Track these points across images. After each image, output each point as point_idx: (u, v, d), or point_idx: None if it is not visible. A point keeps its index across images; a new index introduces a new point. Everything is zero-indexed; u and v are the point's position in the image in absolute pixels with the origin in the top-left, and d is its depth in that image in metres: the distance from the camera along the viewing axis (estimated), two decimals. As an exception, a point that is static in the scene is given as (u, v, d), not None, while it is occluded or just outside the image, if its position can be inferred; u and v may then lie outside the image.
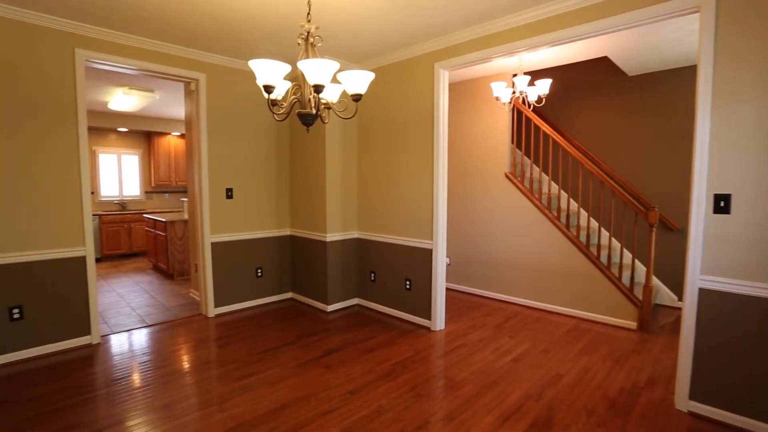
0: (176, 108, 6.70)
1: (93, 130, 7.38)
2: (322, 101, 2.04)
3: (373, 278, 4.26)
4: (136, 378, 2.79)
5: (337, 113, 2.15)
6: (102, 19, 3.05)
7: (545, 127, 4.27)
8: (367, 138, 4.22)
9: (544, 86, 3.66)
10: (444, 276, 3.72)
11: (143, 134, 8.00)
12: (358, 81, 1.95)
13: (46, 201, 3.12)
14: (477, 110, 4.75)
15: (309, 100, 1.97)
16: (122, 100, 5.52)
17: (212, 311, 4.05)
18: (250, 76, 4.20)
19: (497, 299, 4.64)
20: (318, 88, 1.77)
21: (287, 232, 4.61)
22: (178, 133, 7.99)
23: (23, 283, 3.05)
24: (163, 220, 5.66)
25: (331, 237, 4.14)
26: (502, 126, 4.55)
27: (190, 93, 4.05)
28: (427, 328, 3.74)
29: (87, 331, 3.34)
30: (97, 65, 3.38)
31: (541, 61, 4.09)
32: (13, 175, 2.98)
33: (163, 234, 5.72)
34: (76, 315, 3.29)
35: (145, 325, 3.81)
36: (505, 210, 4.54)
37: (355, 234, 4.38)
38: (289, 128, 4.55)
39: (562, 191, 4.55)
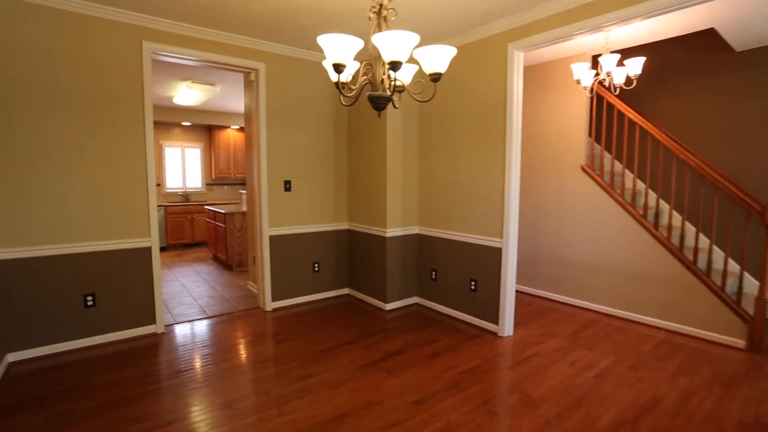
0: (235, 101, 6.80)
1: (159, 125, 7.70)
2: (397, 82, 1.82)
3: (434, 277, 4.02)
4: (198, 372, 2.76)
5: (413, 96, 1.92)
6: (166, 9, 3.02)
7: (631, 113, 3.79)
8: (431, 127, 3.96)
9: (635, 66, 3.20)
10: (514, 278, 3.40)
11: (205, 128, 8.25)
12: (438, 58, 1.71)
13: (115, 193, 3.17)
14: (549, 96, 4.33)
15: (382, 80, 1.75)
16: (186, 94, 5.65)
17: (269, 305, 4.00)
18: (309, 64, 4.07)
19: (569, 304, 4.23)
20: (395, 66, 1.55)
21: (345, 226, 4.48)
22: (237, 127, 8.16)
23: (95, 271, 3.13)
24: (223, 212, 5.76)
25: (391, 232, 3.94)
26: (578, 113, 4.11)
27: (250, 84, 3.99)
28: (494, 333, 3.45)
29: (152, 320, 3.39)
30: (163, 57, 3.38)
31: (631, 38, 3.61)
32: (85, 167, 3.04)
33: (223, 225, 5.82)
34: (142, 304, 3.35)
35: (206, 316, 3.83)
36: (580, 206, 4.10)
37: (415, 229, 4.15)
38: (347, 118, 4.39)
39: (649, 187, 4.02)
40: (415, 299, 4.25)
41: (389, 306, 4.03)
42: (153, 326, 3.40)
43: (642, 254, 3.67)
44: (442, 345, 3.22)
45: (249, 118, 4.18)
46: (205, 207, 6.79)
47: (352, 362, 2.91)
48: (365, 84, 1.77)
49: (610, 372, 2.79)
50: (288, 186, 4.03)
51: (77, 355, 3.00)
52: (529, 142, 4.54)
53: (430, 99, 2.09)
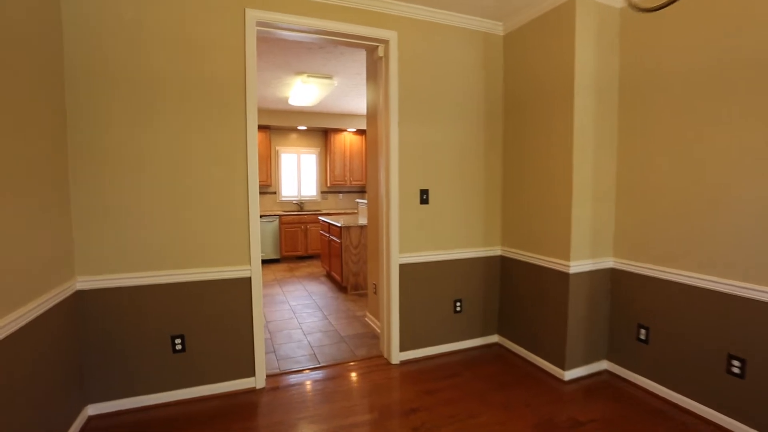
0: (352, 99, 6.09)
1: (275, 130, 7.43)
2: None
3: (643, 337, 2.59)
4: (302, 481, 1.82)
5: None
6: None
7: None
8: (644, 103, 2.56)
9: None
10: (842, 367, 1.84)
11: (320, 132, 7.78)
12: None
13: (206, 210, 2.45)
14: None
15: None
16: (301, 91, 5.05)
17: (396, 356, 2.98)
18: (455, 32, 2.99)
19: None
20: None
21: (497, 251, 3.26)
22: (354, 130, 7.53)
23: (185, 308, 2.44)
24: (338, 224, 5.00)
25: (576, 266, 2.63)
26: None
27: (376, 64, 3.07)
28: (790, 462, 1.92)
29: (250, 371, 2.61)
30: (270, 31, 2.61)
31: None
32: (170, 174, 2.36)
33: (338, 240, 5.06)
34: (239, 350, 2.58)
35: (317, 365, 2.96)
36: None
37: (609, 262, 2.77)
38: (503, 106, 3.20)
39: None
40: (604, 364, 2.85)
41: (569, 374, 2.71)
42: (251, 379, 2.62)
43: None
44: (700, 478, 1.82)
45: (374, 111, 3.27)
46: (319, 218, 6.18)
47: (545, 500, 1.70)
48: None
49: None
50: (425, 197, 2.98)
51: (159, 413, 2.32)
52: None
53: None
